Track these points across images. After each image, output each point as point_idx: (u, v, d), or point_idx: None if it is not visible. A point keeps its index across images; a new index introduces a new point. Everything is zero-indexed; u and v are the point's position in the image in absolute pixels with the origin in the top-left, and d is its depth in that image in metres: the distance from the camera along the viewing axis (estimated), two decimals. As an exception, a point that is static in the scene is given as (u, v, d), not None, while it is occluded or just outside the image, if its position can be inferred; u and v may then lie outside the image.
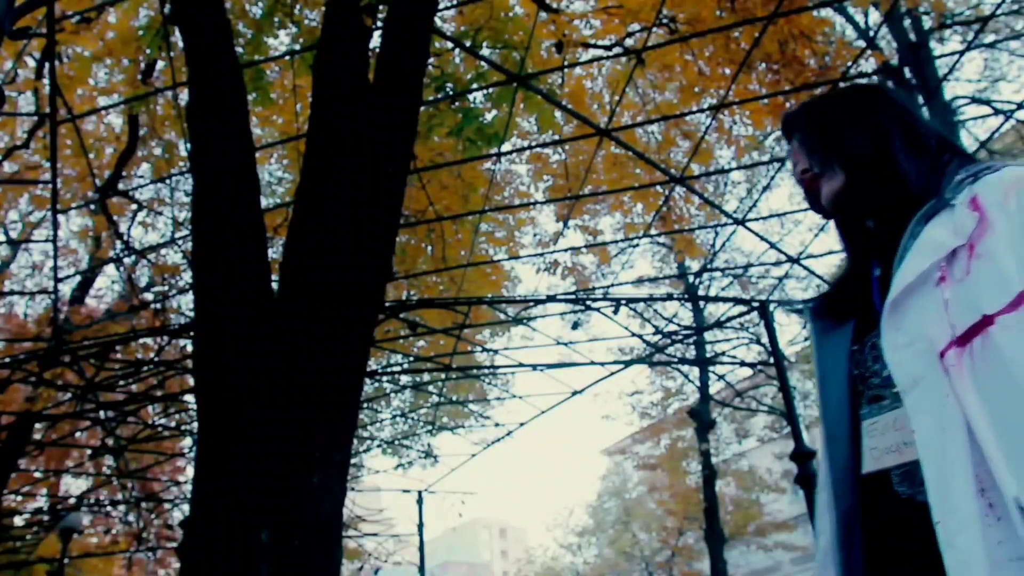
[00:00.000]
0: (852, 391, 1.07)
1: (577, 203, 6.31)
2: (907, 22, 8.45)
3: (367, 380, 6.79)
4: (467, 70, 4.99)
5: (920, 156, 1.11)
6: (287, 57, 5.20)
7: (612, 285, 7.73)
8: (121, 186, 6.90)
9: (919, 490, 0.91)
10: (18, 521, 10.41)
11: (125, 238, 7.71)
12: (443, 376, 8.28)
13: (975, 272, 0.92)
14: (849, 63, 5.02)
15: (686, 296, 12.95)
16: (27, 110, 6.61)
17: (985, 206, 0.96)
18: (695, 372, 13.73)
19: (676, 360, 11.18)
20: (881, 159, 1.11)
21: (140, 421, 7.54)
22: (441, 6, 4.72)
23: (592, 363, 7.17)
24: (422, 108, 4.10)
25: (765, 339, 7.11)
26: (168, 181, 7.48)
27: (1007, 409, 0.85)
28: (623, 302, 6.11)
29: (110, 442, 7.87)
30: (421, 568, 10.57)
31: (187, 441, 8.67)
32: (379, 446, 10.85)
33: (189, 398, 6.94)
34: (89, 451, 8.81)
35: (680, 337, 8.97)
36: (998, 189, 0.96)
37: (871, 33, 8.37)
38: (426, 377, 8.55)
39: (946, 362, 0.90)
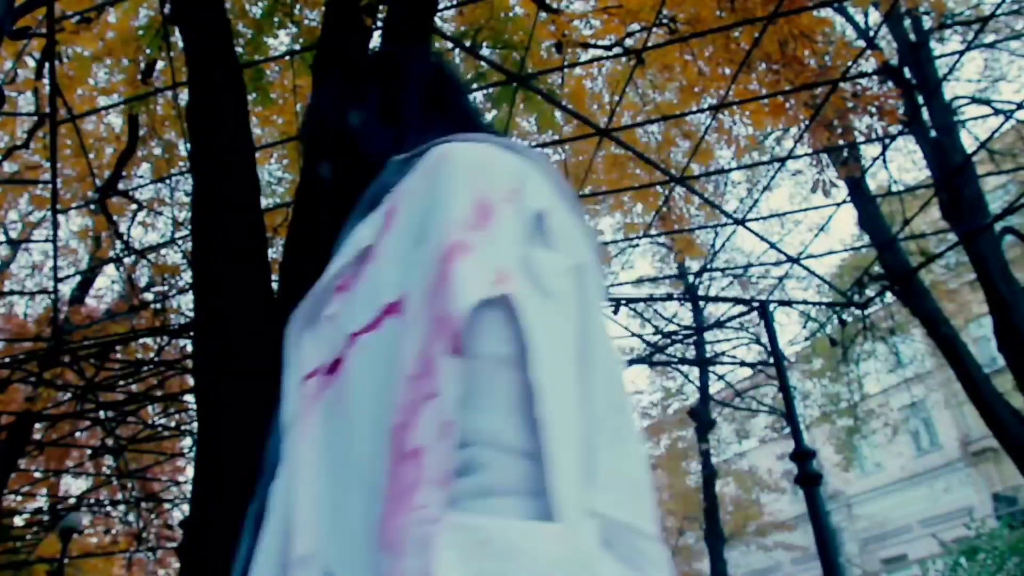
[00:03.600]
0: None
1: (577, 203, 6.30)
2: (907, 22, 8.45)
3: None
4: (467, 70, 4.99)
5: (389, 127, 0.91)
6: (287, 57, 5.20)
7: (612, 285, 7.73)
8: (121, 186, 6.90)
9: None
10: (18, 521, 10.41)
11: (125, 238, 7.71)
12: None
13: (363, 279, 0.73)
14: (849, 63, 5.02)
15: (686, 296, 12.95)
16: (27, 110, 6.61)
17: (403, 192, 0.75)
18: (695, 372, 13.73)
19: (676, 360, 11.18)
20: (352, 145, 0.94)
21: (140, 421, 7.54)
22: (441, 6, 4.72)
23: (592, 363, 7.15)
24: (422, 108, 4.09)
25: (765, 339, 7.12)
26: (168, 181, 7.48)
27: (332, 449, 0.67)
28: (623, 302, 6.11)
29: (110, 442, 7.87)
30: (421, 568, 10.55)
31: (187, 441, 8.67)
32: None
33: (189, 398, 6.94)
34: (89, 451, 8.81)
35: (680, 337, 8.98)
36: (418, 170, 0.75)
37: (871, 33, 8.37)
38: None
39: (303, 392, 0.73)
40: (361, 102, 0.95)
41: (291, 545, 0.64)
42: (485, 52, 4.73)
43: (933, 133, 8.16)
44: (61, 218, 7.78)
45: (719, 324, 8.93)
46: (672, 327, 8.51)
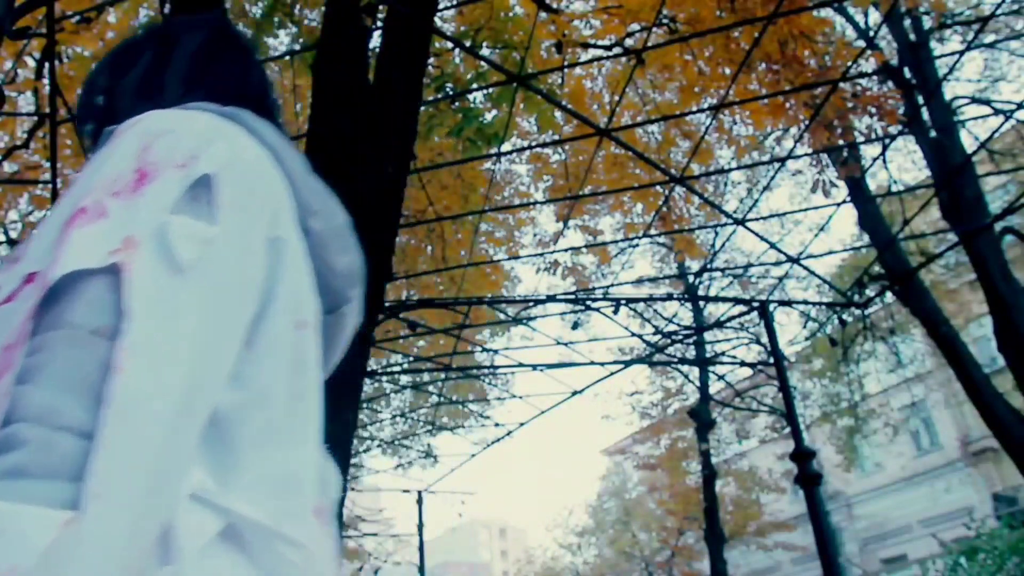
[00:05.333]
0: None
1: (577, 203, 6.31)
2: (907, 22, 8.44)
3: (367, 380, 6.79)
4: (467, 70, 4.99)
5: (149, 99, 0.86)
6: (287, 57, 5.20)
7: (612, 285, 7.73)
8: (121, 186, 6.89)
9: None
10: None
11: (125, 238, 7.70)
12: (443, 376, 8.28)
13: (27, 250, 0.68)
14: (849, 63, 5.02)
15: (686, 296, 12.95)
16: (27, 110, 6.61)
17: (89, 162, 0.72)
18: (695, 372, 13.73)
19: (676, 360, 11.18)
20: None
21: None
22: (441, 6, 4.72)
23: (592, 363, 7.17)
24: (422, 108, 4.10)
25: (765, 339, 7.12)
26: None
27: None
28: (623, 302, 6.11)
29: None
30: (421, 568, 10.57)
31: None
32: (379, 446, 10.86)
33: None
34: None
35: (680, 337, 8.97)
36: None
37: (871, 33, 8.37)
38: (426, 377, 8.55)
39: None
40: (126, 74, 0.91)
41: None
42: (485, 52, 4.73)
43: (933, 133, 8.16)
44: (61, 218, 7.76)
45: (719, 324, 8.93)
46: (672, 327, 8.49)
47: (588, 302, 6.35)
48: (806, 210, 7.03)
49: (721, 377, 10.14)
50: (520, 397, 8.53)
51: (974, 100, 9.29)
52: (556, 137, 5.87)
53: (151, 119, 0.71)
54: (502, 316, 7.46)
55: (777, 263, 8.22)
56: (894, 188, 9.54)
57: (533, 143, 6.77)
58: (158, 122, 0.70)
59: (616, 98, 5.37)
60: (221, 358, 0.63)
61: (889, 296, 9.14)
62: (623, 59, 5.54)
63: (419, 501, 10.49)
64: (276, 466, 0.66)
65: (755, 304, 6.72)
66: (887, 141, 6.35)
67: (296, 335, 0.72)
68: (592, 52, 5.74)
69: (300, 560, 0.64)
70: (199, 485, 0.60)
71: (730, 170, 9.23)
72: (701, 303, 13.48)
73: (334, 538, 0.73)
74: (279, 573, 0.63)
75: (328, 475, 0.77)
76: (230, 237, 0.65)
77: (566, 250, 7.09)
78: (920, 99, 8.22)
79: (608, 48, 5.53)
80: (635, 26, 5.22)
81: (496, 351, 8.38)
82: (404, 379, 8.83)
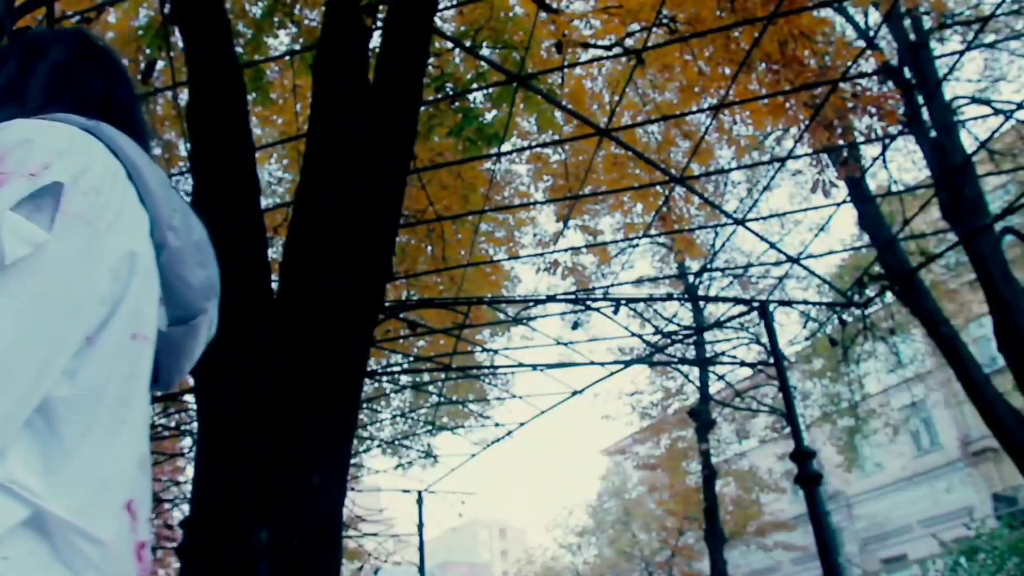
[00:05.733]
0: None
1: (577, 203, 6.31)
2: (907, 22, 8.44)
3: (367, 380, 6.79)
4: (467, 70, 4.99)
5: (10, 106, 0.88)
6: (287, 57, 5.20)
7: (612, 285, 7.73)
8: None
9: None
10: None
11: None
12: (443, 376, 8.27)
13: None
14: (849, 63, 5.02)
15: (686, 296, 12.96)
16: (27, 110, 6.60)
17: None
18: (695, 372, 13.74)
19: (676, 360, 11.18)
20: None
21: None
22: (441, 6, 4.72)
23: (592, 363, 7.16)
24: (422, 108, 4.10)
25: (765, 339, 7.12)
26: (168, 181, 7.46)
27: None
28: (623, 302, 6.11)
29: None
30: (421, 568, 10.57)
31: (187, 441, 8.67)
32: (379, 446, 10.85)
33: (189, 398, 6.94)
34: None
35: (680, 337, 8.97)
36: None
37: (871, 33, 8.37)
38: (426, 377, 8.55)
39: None
40: None
41: None
42: (485, 52, 4.74)
43: (933, 133, 8.15)
44: (61, 218, 7.75)
45: (719, 324, 8.93)
46: (672, 327, 8.49)
47: (588, 302, 6.35)
48: (806, 210, 7.04)
49: (721, 377, 10.14)
50: (520, 397, 8.53)
51: (974, 100, 9.28)
52: (556, 137, 5.86)
53: (12, 128, 0.73)
54: (502, 316, 7.46)
55: (777, 263, 8.22)
56: (894, 188, 9.53)
57: (533, 143, 6.76)
58: (18, 132, 0.73)
59: (616, 98, 5.37)
60: (40, 356, 0.66)
61: (889, 296, 9.14)
62: (623, 59, 5.54)
63: (419, 501, 10.48)
64: (96, 463, 0.70)
65: (755, 304, 6.72)
66: (887, 141, 6.35)
67: (132, 346, 0.76)
68: (592, 52, 5.74)
69: (97, 556, 0.68)
70: (8, 475, 0.64)
71: (730, 170, 9.23)
72: (701, 303, 13.48)
73: (145, 531, 0.77)
74: (76, 566, 0.66)
75: (145, 476, 0.81)
76: (67, 245, 0.69)
77: (566, 250, 7.09)
78: (920, 99, 8.21)
79: (608, 48, 5.53)
80: (635, 26, 5.22)
81: (496, 351, 8.38)
82: (404, 379, 8.83)
